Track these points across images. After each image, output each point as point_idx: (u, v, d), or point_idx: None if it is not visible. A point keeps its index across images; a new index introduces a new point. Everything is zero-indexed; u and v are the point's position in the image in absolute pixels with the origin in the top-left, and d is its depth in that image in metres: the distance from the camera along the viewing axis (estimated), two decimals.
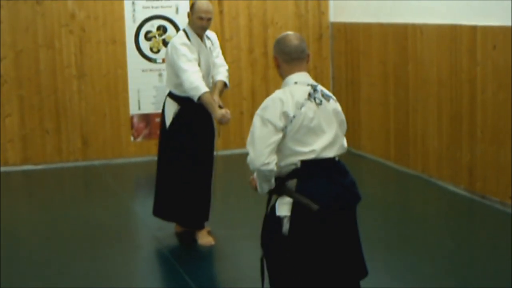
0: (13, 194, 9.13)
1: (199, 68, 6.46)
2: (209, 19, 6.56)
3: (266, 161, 4.04)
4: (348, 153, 9.06)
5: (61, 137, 10.15)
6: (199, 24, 6.56)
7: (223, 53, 7.41)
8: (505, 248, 6.42)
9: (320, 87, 4.19)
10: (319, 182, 4.08)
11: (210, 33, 6.84)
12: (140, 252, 6.91)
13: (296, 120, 4.04)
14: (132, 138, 10.36)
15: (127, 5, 10.17)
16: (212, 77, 6.79)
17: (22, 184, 9.70)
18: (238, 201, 8.29)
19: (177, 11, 10.38)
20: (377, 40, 9.82)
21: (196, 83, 6.31)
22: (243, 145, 10.26)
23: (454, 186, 8.36)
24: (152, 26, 10.33)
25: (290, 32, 4.30)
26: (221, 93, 6.72)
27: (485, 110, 7.80)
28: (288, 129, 4.04)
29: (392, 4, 9.50)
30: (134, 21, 10.27)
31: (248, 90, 10.57)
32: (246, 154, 4.13)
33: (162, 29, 10.28)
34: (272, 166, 4.05)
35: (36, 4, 9.93)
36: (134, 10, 10.24)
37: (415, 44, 8.96)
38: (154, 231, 7.26)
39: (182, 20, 10.35)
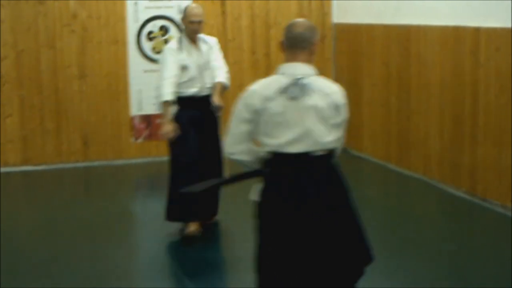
0: (13, 195, 9.12)
1: (187, 70, 6.88)
2: (199, 22, 6.91)
3: (230, 151, 4.13)
4: (349, 155, 9.08)
5: (62, 137, 10.13)
6: (190, 27, 6.93)
7: (225, 54, 7.91)
8: (506, 251, 6.42)
9: (304, 81, 4.11)
10: (281, 175, 4.09)
11: (209, 38, 7.20)
12: (139, 253, 6.91)
13: (263, 113, 4.05)
14: (132, 139, 10.34)
15: (129, 5, 10.15)
16: (213, 79, 7.04)
17: (22, 184, 9.69)
18: (241, 201, 8.26)
19: (179, 11, 10.36)
20: (380, 41, 9.80)
21: (162, 90, 6.80)
22: None
23: (455, 189, 8.34)
24: (154, 26, 10.31)
25: (301, 19, 4.27)
26: (221, 94, 6.98)
27: (487, 113, 7.77)
28: (258, 119, 4.07)
29: (395, 6, 9.48)
30: (136, 21, 10.25)
31: None
32: None
33: (164, 30, 10.26)
34: (238, 157, 4.12)
35: (38, 4, 9.91)
36: (136, 10, 10.23)
37: (418, 46, 8.93)
38: (154, 232, 7.26)
39: None
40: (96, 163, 10.19)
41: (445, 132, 8.49)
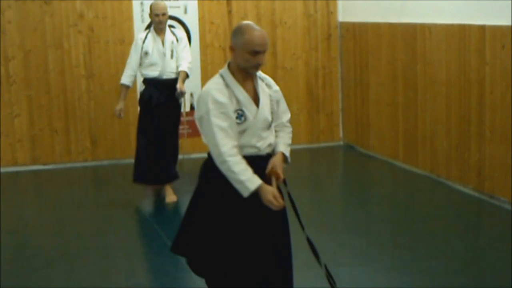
0: (22, 194, 9.18)
1: (148, 55, 8.20)
2: (163, 14, 8.20)
3: None
4: (356, 153, 9.06)
5: (70, 137, 10.18)
6: (156, 20, 8.25)
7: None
8: None
9: None
10: None
11: (179, 32, 8.62)
12: (148, 250, 6.93)
13: None
14: None
15: (136, 5, 10.18)
16: (177, 68, 8.27)
17: (31, 184, 9.73)
18: None
19: (185, 11, 10.39)
20: (386, 40, 9.82)
21: (124, 73, 8.36)
22: None
23: (463, 186, 8.36)
24: None
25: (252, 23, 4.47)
26: (183, 81, 8.18)
27: (493, 110, 7.79)
28: None
29: (401, 4, 9.50)
30: (142, 21, 10.26)
31: None
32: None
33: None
34: None
35: (45, 4, 9.96)
36: (142, 10, 10.25)
37: (423, 44, 8.96)
38: (162, 230, 7.28)
39: (191, 20, 10.38)
40: (104, 162, 10.24)
41: (452, 130, 8.51)
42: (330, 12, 10.99)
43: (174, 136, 8.44)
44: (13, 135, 9.98)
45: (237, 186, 4.20)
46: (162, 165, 8.38)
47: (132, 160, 10.04)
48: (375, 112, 10.14)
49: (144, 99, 8.35)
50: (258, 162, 4.30)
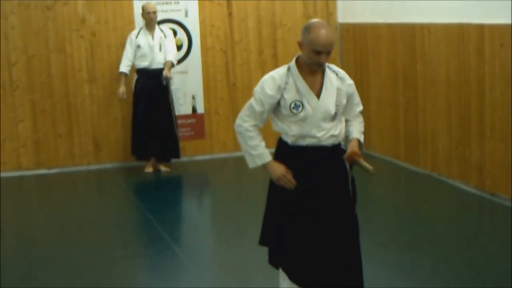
0: (26, 199, 9.22)
1: (140, 48, 9.65)
2: (154, 13, 9.65)
3: None
4: None
5: (74, 140, 10.22)
6: (147, 18, 9.66)
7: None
8: None
9: None
10: None
11: (166, 30, 9.92)
12: (151, 252, 6.95)
13: None
14: None
15: (137, 9, 10.21)
16: (164, 59, 9.70)
17: (35, 188, 9.76)
18: (248, 203, 8.34)
19: (186, 14, 10.44)
20: (385, 40, 9.87)
21: (121, 63, 9.77)
22: None
23: (464, 184, 8.40)
24: None
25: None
26: (169, 69, 9.63)
27: (493, 108, 7.83)
28: None
29: (400, 4, 9.55)
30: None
31: None
32: None
33: (172, 32, 10.30)
34: None
35: (47, 9, 10.01)
36: None
37: (423, 44, 9.00)
38: (165, 231, 7.32)
39: (192, 23, 10.43)
40: (108, 166, 10.29)
41: (453, 128, 8.55)
42: (330, 13, 11.03)
43: (166, 118, 9.72)
44: (17, 140, 10.03)
45: (246, 157, 4.60)
46: (152, 143, 9.70)
47: (135, 163, 10.18)
48: (376, 112, 10.18)
49: (138, 88, 9.69)
50: (319, 153, 4.56)
